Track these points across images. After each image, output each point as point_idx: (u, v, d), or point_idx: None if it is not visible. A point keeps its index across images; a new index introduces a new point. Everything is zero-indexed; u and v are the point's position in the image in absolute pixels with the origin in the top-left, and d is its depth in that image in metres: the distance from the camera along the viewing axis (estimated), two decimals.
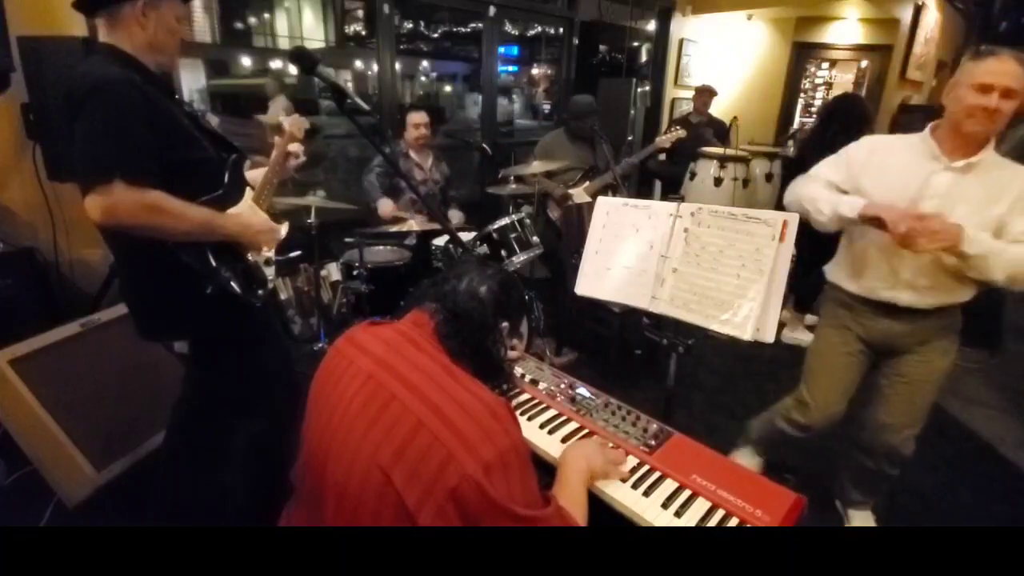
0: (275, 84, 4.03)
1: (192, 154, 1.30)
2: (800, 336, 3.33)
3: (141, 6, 1.25)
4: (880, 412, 1.72)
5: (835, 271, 1.75)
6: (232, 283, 1.33)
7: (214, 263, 1.30)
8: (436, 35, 5.41)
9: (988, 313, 3.00)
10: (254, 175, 1.56)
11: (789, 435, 1.86)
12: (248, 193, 1.47)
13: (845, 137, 2.94)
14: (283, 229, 1.52)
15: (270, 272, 1.49)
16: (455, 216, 3.20)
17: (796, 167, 3.18)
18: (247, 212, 1.41)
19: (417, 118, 3.08)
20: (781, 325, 3.40)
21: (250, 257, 1.43)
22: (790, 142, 5.30)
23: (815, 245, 3.20)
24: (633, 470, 1.15)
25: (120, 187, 1.11)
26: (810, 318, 3.41)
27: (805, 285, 3.32)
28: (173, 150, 1.23)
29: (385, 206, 2.95)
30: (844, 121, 2.95)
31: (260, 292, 1.42)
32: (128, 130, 1.14)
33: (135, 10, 1.24)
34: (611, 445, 1.20)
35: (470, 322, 0.97)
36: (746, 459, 2.06)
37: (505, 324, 1.02)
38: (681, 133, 3.18)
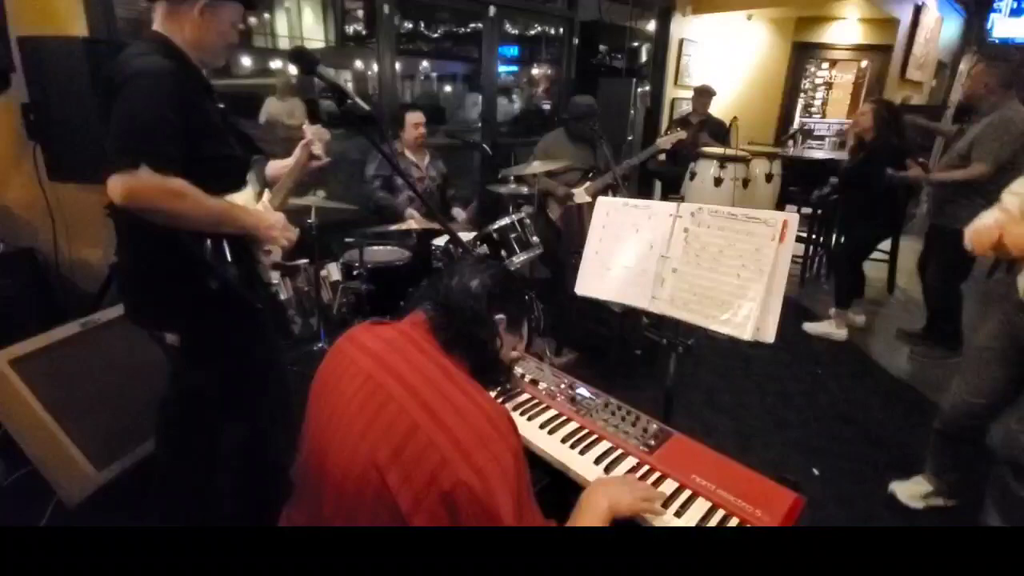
0: (287, 83, 4.04)
1: (219, 151, 1.32)
2: (830, 330, 3.43)
3: (200, 6, 1.26)
4: (1014, 418, 1.66)
5: None
6: (237, 281, 1.33)
7: (225, 257, 1.31)
8: (436, 35, 5.40)
9: (947, 316, 3.17)
10: (273, 170, 1.56)
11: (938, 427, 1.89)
12: (266, 194, 1.48)
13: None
14: (295, 232, 1.51)
15: (275, 276, 1.49)
16: (459, 215, 3.20)
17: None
18: (262, 209, 1.43)
19: (416, 118, 3.09)
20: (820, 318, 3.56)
21: (259, 258, 1.43)
22: (790, 142, 5.29)
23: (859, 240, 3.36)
24: (633, 470, 1.15)
25: (145, 171, 1.12)
26: (851, 316, 3.52)
27: (848, 281, 3.42)
28: (202, 144, 1.25)
29: (414, 215, 2.99)
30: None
31: (262, 294, 1.42)
32: (161, 118, 1.16)
33: (193, 9, 1.26)
34: (639, 476, 1.12)
35: (461, 313, 0.97)
36: (914, 485, 2.01)
37: (500, 317, 1.01)
38: (681, 134, 3.19)
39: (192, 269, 1.28)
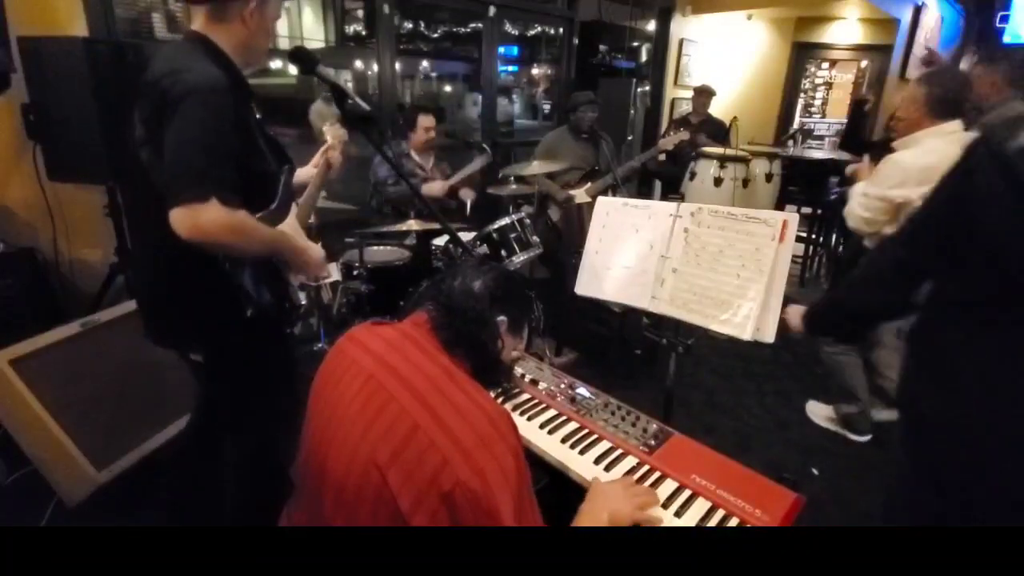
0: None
1: (258, 166, 1.24)
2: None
3: (254, 5, 1.18)
4: None
5: None
6: (273, 308, 1.29)
7: (260, 281, 1.26)
8: (436, 35, 5.40)
9: None
10: (297, 178, 1.53)
11: None
12: (293, 209, 1.41)
13: None
14: (331, 269, 1.48)
15: (303, 297, 1.46)
16: (468, 196, 3.17)
17: None
18: (304, 240, 1.38)
19: (427, 121, 3.09)
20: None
21: (290, 280, 1.40)
22: (790, 142, 5.28)
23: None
24: (632, 470, 1.15)
25: (215, 206, 1.05)
26: None
27: None
28: (246, 162, 1.17)
29: (433, 187, 3.01)
30: None
31: (293, 317, 1.40)
32: (225, 144, 1.09)
33: (247, 8, 1.17)
34: (636, 478, 1.11)
35: (463, 314, 0.97)
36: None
37: (503, 319, 1.01)
38: (684, 135, 3.19)
39: (226, 293, 1.22)
